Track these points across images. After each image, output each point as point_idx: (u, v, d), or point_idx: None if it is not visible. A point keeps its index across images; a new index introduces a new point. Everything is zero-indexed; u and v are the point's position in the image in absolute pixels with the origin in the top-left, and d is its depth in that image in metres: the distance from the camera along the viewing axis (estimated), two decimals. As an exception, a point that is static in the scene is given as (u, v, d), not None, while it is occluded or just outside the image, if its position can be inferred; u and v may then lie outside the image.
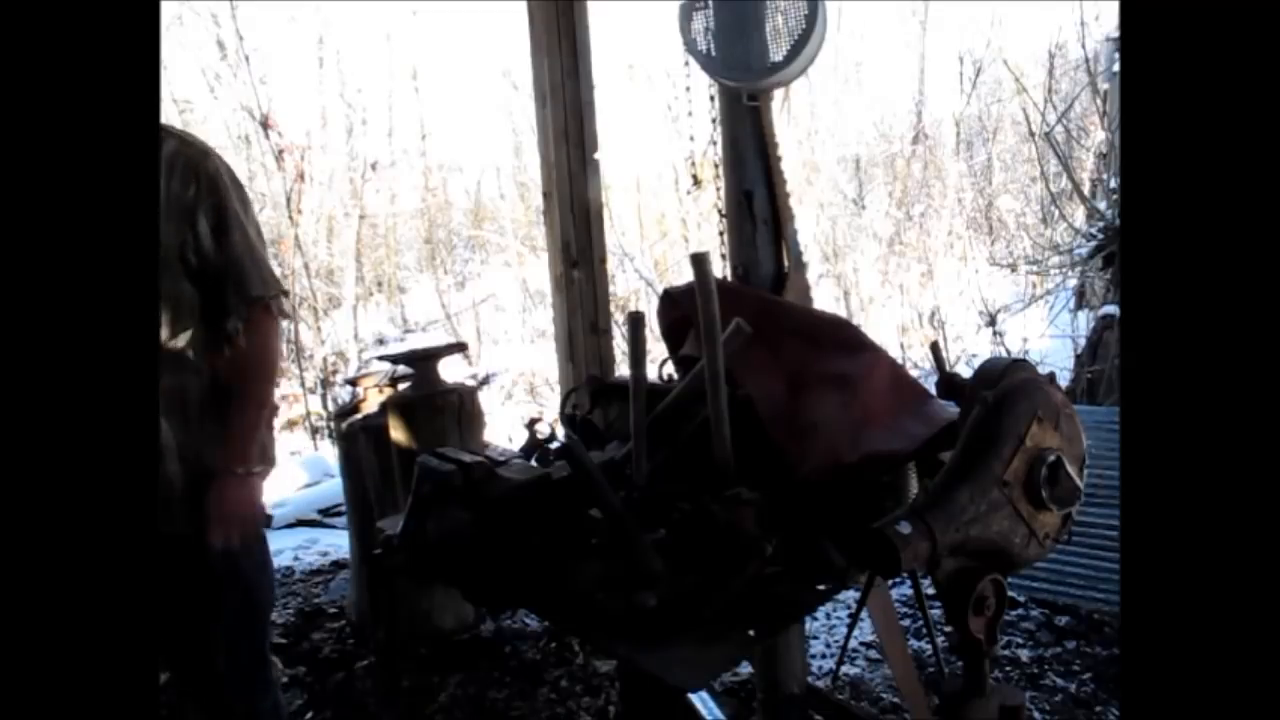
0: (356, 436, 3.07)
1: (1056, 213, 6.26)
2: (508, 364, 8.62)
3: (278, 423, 7.31)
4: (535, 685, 2.76)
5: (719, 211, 1.95)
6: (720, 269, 1.84)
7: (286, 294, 1.67)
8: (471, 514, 1.29)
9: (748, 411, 1.46)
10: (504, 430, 6.08)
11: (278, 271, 1.70)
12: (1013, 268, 6.78)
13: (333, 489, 4.77)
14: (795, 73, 1.70)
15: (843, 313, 7.26)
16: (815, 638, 3.02)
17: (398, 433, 2.84)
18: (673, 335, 1.76)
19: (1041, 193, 7.01)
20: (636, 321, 1.52)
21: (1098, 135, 5.75)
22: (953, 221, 8.41)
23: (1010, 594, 1.17)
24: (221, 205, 1.54)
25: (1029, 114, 5.83)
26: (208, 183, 1.52)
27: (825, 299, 7.71)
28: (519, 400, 7.76)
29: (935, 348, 1.46)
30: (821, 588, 1.32)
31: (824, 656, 2.92)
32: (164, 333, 1.51)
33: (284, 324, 1.68)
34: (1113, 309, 4.33)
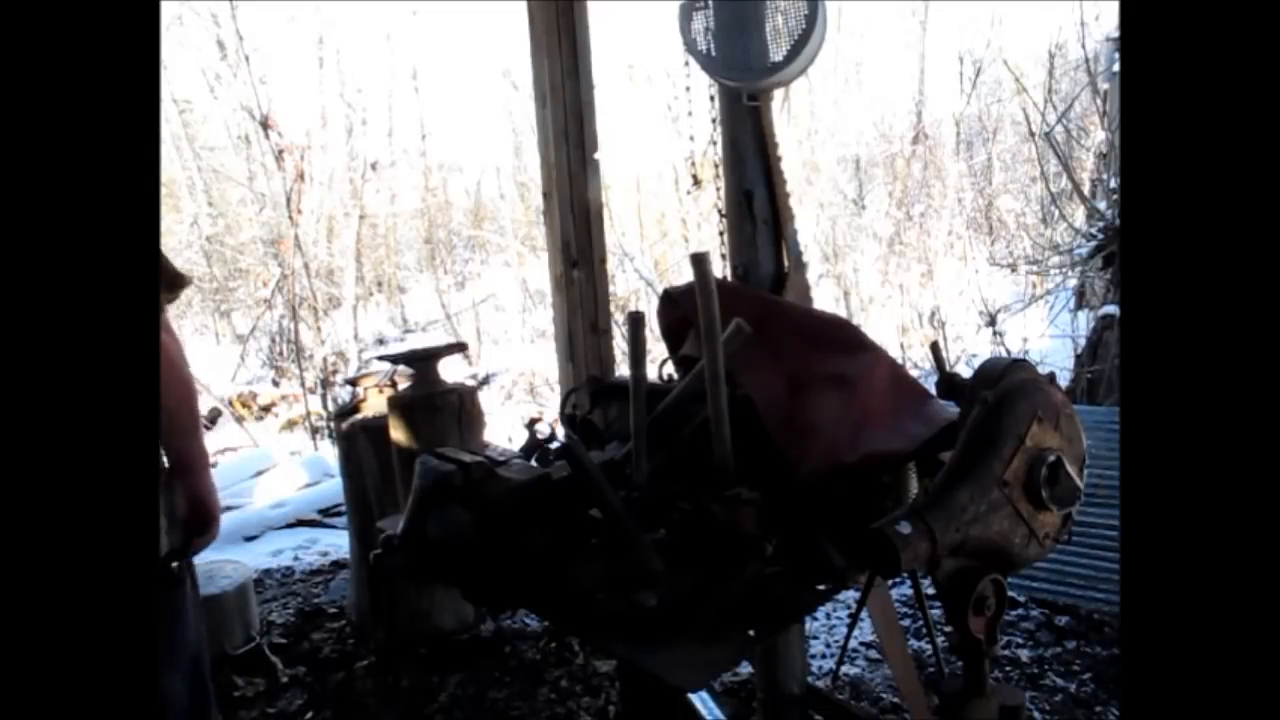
0: (356, 436, 3.07)
1: (1056, 213, 6.27)
2: (508, 364, 8.62)
3: (277, 423, 7.33)
4: (535, 685, 2.76)
5: (719, 211, 1.95)
6: (720, 269, 1.84)
7: (181, 284, 1.49)
8: (471, 514, 1.29)
9: (748, 411, 1.46)
10: (504, 430, 6.08)
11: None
12: (1013, 268, 6.78)
13: (333, 489, 4.78)
14: (795, 73, 1.70)
15: (843, 313, 7.26)
16: (815, 638, 3.02)
17: (398, 433, 2.84)
18: (673, 335, 1.76)
19: (1041, 193, 7.01)
20: (636, 321, 1.52)
21: (1098, 135, 5.75)
22: (953, 221, 8.41)
23: (1010, 594, 1.17)
24: None
25: (1029, 114, 5.83)
26: None
27: (825, 299, 7.71)
28: (519, 400, 7.76)
29: (935, 348, 1.46)
30: (821, 588, 1.32)
31: (824, 656, 2.92)
32: None
33: (169, 317, 1.46)
34: (1113, 309, 4.32)
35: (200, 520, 1.58)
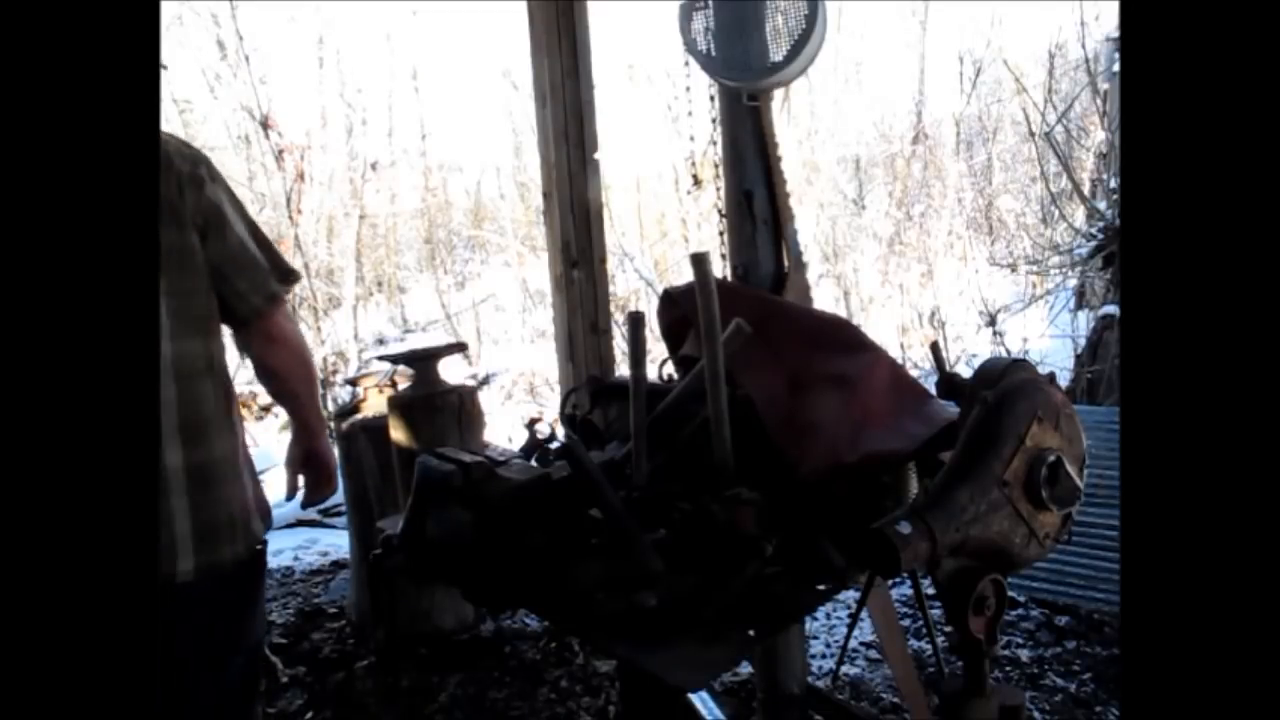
0: (356, 436, 3.07)
1: (1056, 213, 6.27)
2: (508, 364, 8.62)
3: (277, 423, 7.32)
4: (535, 685, 2.76)
5: (719, 211, 1.95)
6: (720, 269, 1.84)
7: (295, 278, 1.68)
8: (471, 514, 1.29)
9: (748, 411, 1.46)
10: (504, 430, 6.08)
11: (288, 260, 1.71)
12: (1013, 268, 6.78)
13: (333, 489, 4.77)
14: (795, 73, 1.70)
15: (843, 313, 7.26)
16: (815, 638, 3.02)
17: (398, 433, 2.84)
18: (673, 335, 1.76)
19: (1041, 193, 7.01)
20: (636, 321, 1.52)
21: (1098, 135, 5.75)
22: (953, 221, 8.41)
23: (1010, 594, 1.17)
24: (220, 206, 1.50)
25: (1029, 114, 5.83)
26: (206, 184, 1.48)
27: (825, 299, 7.71)
28: (519, 400, 7.76)
29: (935, 348, 1.46)
30: (821, 588, 1.32)
31: (824, 656, 2.92)
32: (167, 341, 1.42)
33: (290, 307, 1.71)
34: (1113, 309, 4.32)
35: (323, 475, 1.82)
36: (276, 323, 1.59)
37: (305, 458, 1.80)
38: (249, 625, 1.60)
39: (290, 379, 1.68)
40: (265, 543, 1.61)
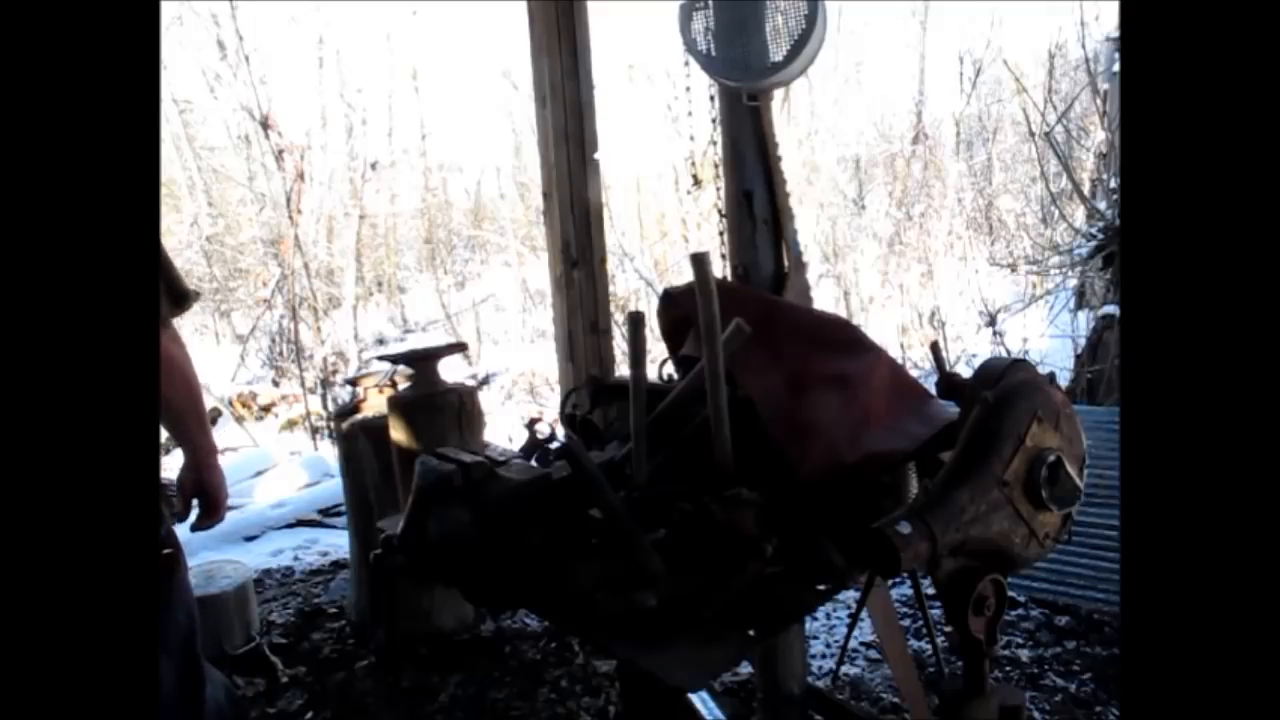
0: (356, 436, 3.07)
1: (1056, 213, 6.27)
2: (508, 364, 8.62)
3: (277, 423, 7.33)
4: (535, 685, 2.76)
5: (719, 211, 1.95)
6: (720, 269, 1.84)
7: (189, 302, 1.63)
8: (471, 514, 1.29)
9: (748, 411, 1.46)
10: (504, 430, 6.08)
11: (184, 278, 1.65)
12: (1013, 268, 6.79)
13: (333, 489, 4.77)
14: (795, 73, 1.70)
15: (843, 313, 7.26)
16: (815, 638, 3.02)
17: (398, 433, 2.84)
18: (673, 335, 1.76)
19: (1041, 193, 7.03)
20: (636, 321, 1.52)
21: (1098, 135, 5.75)
22: (953, 221, 8.42)
23: (1010, 594, 1.17)
24: None
25: (1029, 114, 5.83)
26: None
27: (825, 299, 7.71)
28: (519, 400, 7.76)
29: (935, 348, 1.46)
30: (821, 588, 1.32)
31: (824, 656, 2.92)
32: None
33: (175, 328, 1.64)
34: (1113, 309, 4.33)
35: (211, 505, 1.79)
36: (162, 345, 1.53)
37: (197, 486, 1.76)
38: (159, 626, 1.56)
39: (172, 405, 1.63)
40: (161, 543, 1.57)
